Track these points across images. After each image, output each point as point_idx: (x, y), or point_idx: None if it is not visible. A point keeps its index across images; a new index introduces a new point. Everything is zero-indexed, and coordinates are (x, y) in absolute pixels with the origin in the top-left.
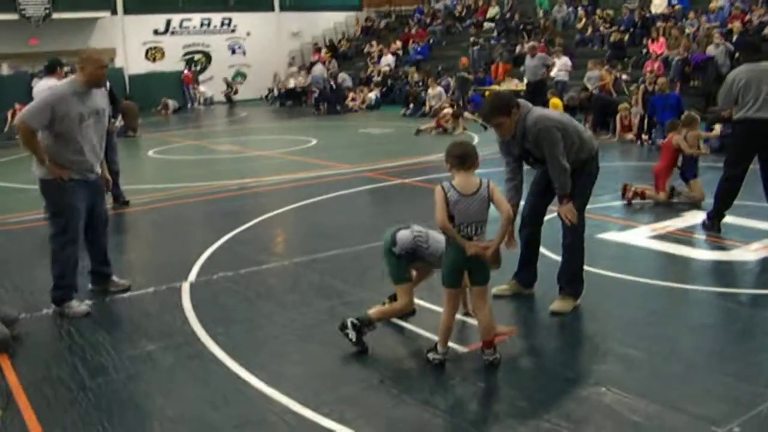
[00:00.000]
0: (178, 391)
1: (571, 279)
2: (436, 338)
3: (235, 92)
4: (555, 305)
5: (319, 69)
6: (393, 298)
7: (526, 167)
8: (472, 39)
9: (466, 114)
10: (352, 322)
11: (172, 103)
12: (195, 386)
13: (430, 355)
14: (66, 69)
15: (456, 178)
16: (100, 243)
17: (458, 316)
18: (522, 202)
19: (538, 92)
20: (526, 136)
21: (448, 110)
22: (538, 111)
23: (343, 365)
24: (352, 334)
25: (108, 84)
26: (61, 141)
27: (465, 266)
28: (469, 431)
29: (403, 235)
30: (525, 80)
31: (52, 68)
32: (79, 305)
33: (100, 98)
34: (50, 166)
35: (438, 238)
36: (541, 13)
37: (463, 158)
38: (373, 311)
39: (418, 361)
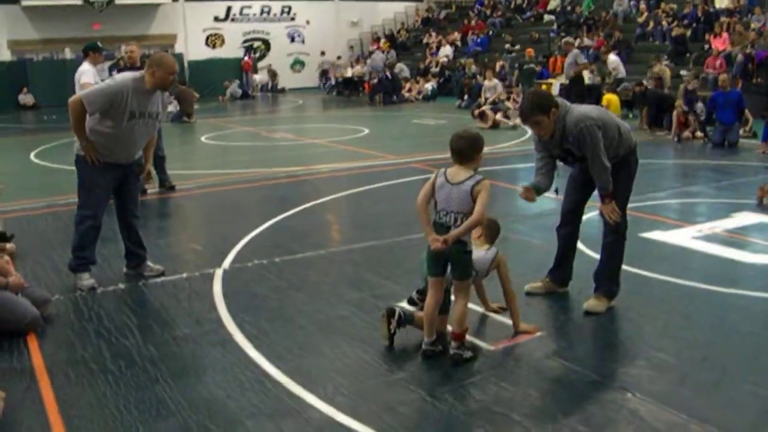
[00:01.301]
0: (197, 378)
1: (608, 279)
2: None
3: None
4: (589, 304)
5: (378, 58)
6: (421, 292)
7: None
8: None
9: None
10: (399, 315)
11: (234, 86)
12: (214, 373)
13: (423, 346)
14: (105, 53)
15: (452, 167)
16: (132, 224)
17: (481, 312)
18: (560, 197)
19: (573, 90)
20: (567, 137)
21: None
22: (577, 110)
23: (364, 359)
24: (394, 326)
25: None
26: (104, 128)
27: (436, 255)
28: (485, 430)
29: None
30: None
31: (85, 53)
32: (88, 279)
33: (159, 101)
34: (86, 145)
35: (479, 259)
36: (586, 12)
37: (460, 153)
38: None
39: (440, 358)
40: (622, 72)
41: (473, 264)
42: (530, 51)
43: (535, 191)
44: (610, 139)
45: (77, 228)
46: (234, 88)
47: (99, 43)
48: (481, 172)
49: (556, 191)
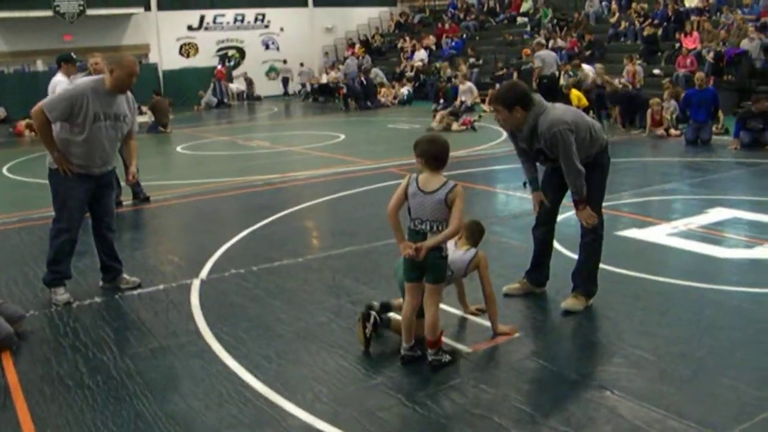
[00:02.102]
0: (175, 390)
1: (586, 278)
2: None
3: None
4: (567, 303)
5: (352, 64)
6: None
7: None
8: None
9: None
10: (375, 319)
11: (209, 95)
12: (192, 385)
13: (402, 352)
14: (78, 64)
15: (422, 173)
16: (107, 237)
17: (460, 315)
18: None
19: (546, 89)
20: (539, 137)
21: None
22: (551, 114)
23: (343, 366)
24: (369, 329)
25: None
26: (71, 135)
27: (412, 260)
28: (458, 431)
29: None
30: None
31: (59, 64)
32: (63, 294)
33: (123, 104)
34: (57, 157)
35: (455, 259)
36: (545, 20)
37: (437, 158)
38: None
39: (419, 362)
40: (591, 76)
41: (450, 265)
42: (527, 51)
43: (533, 187)
44: (581, 141)
45: (52, 242)
46: (209, 97)
47: (72, 54)
48: (460, 175)
49: (524, 184)
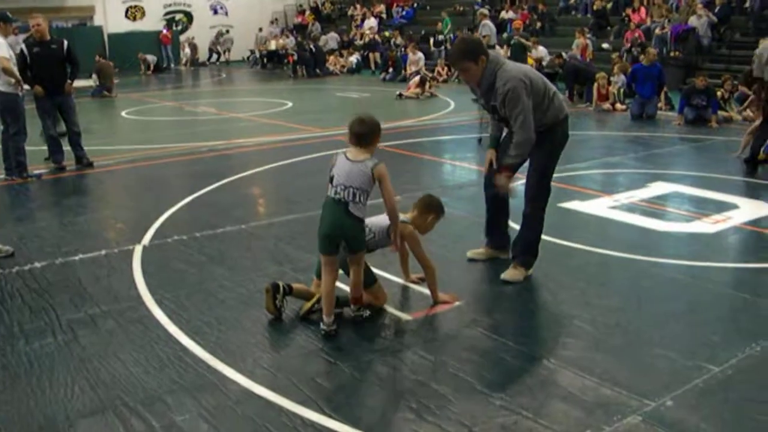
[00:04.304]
0: (115, 355)
1: (525, 249)
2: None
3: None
4: (506, 274)
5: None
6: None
7: None
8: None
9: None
10: (283, 288)
11: (150, 58)
12: (133, 350)
13: (322, 326)
14: (19, 25)
15: (351, 149)
16: None
17: (402, 283)
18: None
19: None
20: (495, 93)
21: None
22: (508, 69)
23: (283, 332)
24: (280, 299)
25: (65, 43)
26: None
27: (328, 234)
28: (404, 400)
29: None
30: None
31: None
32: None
33: None
34: None
35: (375, 221)
36: (444, 33)
37: (359, 137)
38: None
39: (359, 328)
40: (547, 59)
41: (370, 227)
42: (518, 23)
43: (489, 145)
44: (536, 105)
45: None
46: (149, 59)
47: (8, 14)
48: (406, 145)
49: (479, 140)
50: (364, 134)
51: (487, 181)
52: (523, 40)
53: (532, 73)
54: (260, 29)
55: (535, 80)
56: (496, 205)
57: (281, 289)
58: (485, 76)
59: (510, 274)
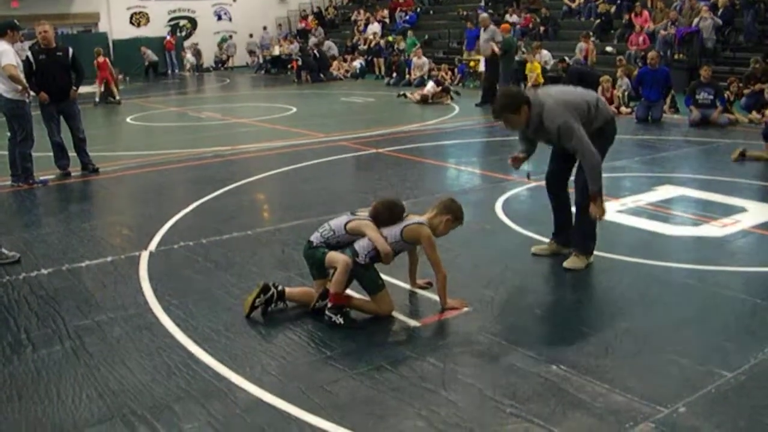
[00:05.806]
0: (123, 363)
1: (582, 237)
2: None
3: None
4: (568, 262)
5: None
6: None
7: None
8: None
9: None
10: (272, 293)
11: (150, 53)
12: (140, 357)
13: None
14: (25, 32)
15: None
16: None
17: (410, 289)
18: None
19: (490, 69)
20: (546, 130)
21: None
22: (550, 107)
23: (292, 339)
24: (261, 299)
25: (71, 51)
26: None
27: (307, 258)
28: (413, 407)
29: (362, 242)
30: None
31: (2, 32)
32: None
33: None
34: None
35: (388, 231)
36: (408, 52)
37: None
38: (357, 302)
39: (368, 335)
40: (551, 62)
41: (358, 247)
42: (506, 26)
43: (522, 158)
44: (585, 118)
45: None
46: (150, 55)
47: (16, 22)
48: (410, 149)
49: (528, 175)
50: (388, 219)
51: (547, 181)
52: (513, 39)
53: (571, 98)
54: (264, 27)
55: (577, 103)
56: (557, 207)
57: (271, 292)
58: (531, 120)
59: (572, 262)
